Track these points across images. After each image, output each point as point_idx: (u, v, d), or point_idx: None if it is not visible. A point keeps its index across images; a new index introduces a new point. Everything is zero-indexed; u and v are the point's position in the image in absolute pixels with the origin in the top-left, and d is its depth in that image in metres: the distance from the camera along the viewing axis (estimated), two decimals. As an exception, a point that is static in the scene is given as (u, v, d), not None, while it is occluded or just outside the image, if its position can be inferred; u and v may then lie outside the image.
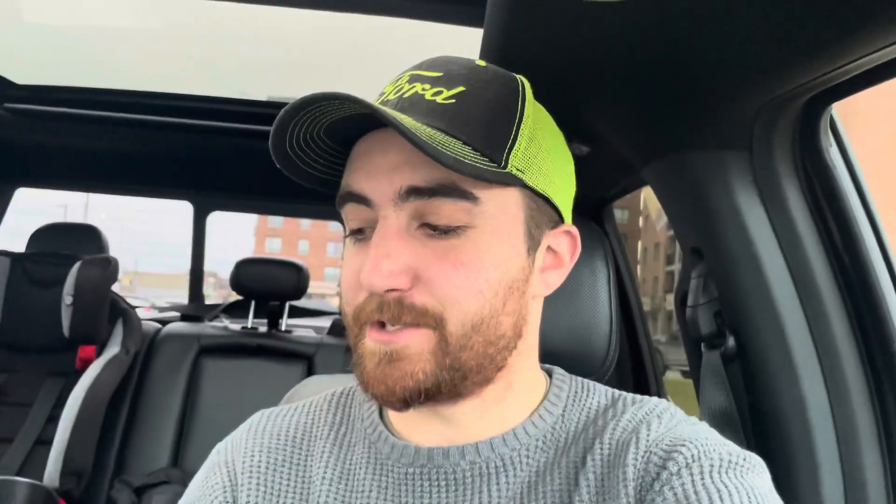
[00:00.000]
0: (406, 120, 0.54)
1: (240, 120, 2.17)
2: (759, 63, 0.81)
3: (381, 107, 0.52)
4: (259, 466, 0.67)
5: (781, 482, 0.59)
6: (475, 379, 0.59)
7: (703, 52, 0.82)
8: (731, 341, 1.05)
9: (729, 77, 0.86)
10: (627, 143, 1.19)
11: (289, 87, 2.25)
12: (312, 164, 0.63)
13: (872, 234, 0.94)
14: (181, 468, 2.39)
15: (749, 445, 1.03)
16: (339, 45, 1.88)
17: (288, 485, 0.66)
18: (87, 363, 2.34)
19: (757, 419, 1.03)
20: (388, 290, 0.55)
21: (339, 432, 0.69)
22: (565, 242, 0.66)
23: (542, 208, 0.63)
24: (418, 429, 0.64)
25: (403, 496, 0.62)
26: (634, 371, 1.98)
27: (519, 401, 0.65)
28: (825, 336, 0.95)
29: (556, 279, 0.66)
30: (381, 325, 0.57)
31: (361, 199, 0.58)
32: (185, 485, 2.23)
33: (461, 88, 0.60)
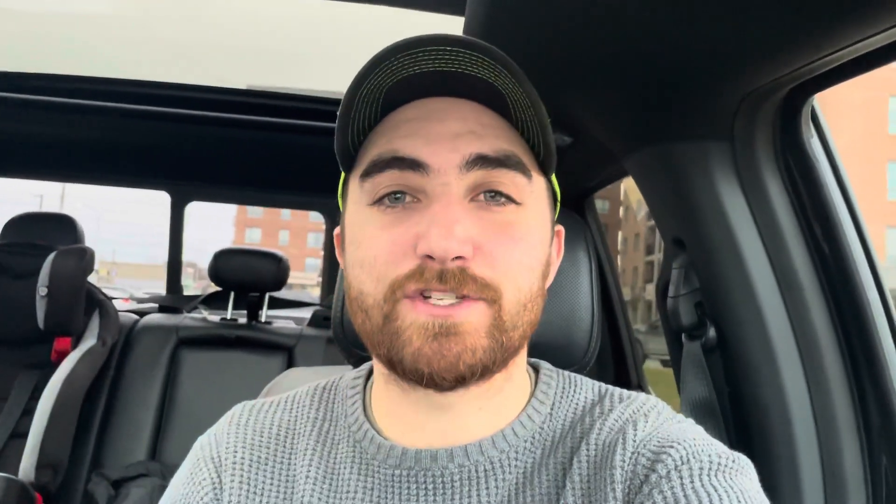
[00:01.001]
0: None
1: (218, 108, 2.15)
2: (741, 54, 0.80)
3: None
4: (242, 463, 0.66)
5: (761, 472, 0.59)
6: (506, 363, 0.58)
7: (685, 42, 0.82)
8: (711, 332, 1.05)
9: (711, 68, 0.85)
10: (609, 133, 1.18)
11: (267, 75, 2.22)
12: (356, 128, 0.59)
13: (853, 224, 0.95)
14: (160, 461, 2.37)
15: (729, 435, 1.04)
16: (318, 33, 1.86)
17: (271, 483, 0.65)
18: (62, 355, 2.31)
19: (737, 409, 1.04)
20: (454, 258, 0.53)
21: (321, 429, 0.67)
22: (556, 242, 0.67)
23: (553, 204, 0.65)
24: (407, 427, 0.62)
25: (390, 498, 0.60)
26: (615, 361, 1.99)
27: (513, 394, 0.64)
28: (805, 326, 0.95)
29: (551, 275, 0.66)
30: (423, 299, 0.54)
31: (414, 165, 0.56)
32: (163, 477, 2.22)
33: None
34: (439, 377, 0.54)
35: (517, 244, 0.57)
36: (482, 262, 0.55)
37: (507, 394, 0.63)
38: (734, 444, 1.03)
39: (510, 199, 0.57)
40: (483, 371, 0.55)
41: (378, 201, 0.58)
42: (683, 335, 1.12)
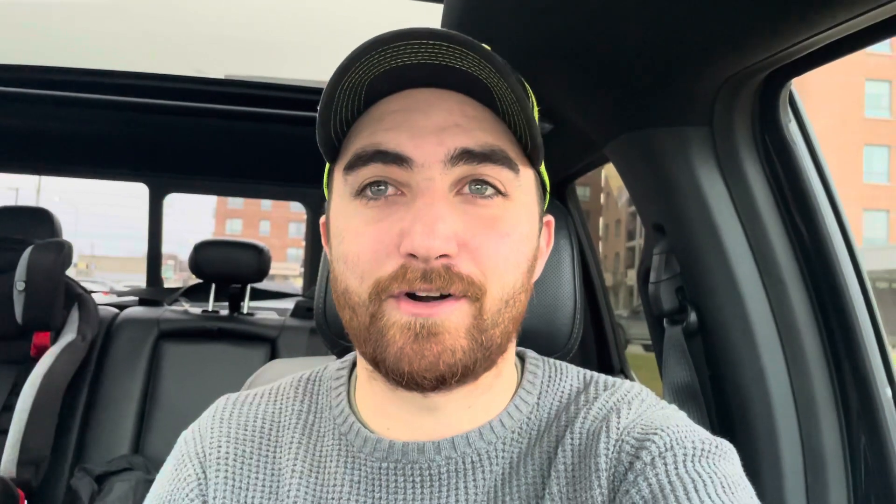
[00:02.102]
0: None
1: (196, 98, 2.12)
2: (719, 39, 0.81)
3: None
4: (227, 458, 0.65)
5: (743, 453, 0.60)
6: (491, 361, 0.57)
7: (663, 29, 0.82)
8: (692, 316, 1.06)
9: (690, 54, 0.86)
10: (590, 120, 1.19)
11: (245, 64, 2.20)
12: (338, 119, 0.57)
13: (830, 207, 0.96)
14: (143, 455, 2.36)
15: (711, 418, 1.05)
16: (297, 23, 1.84)
17: (256, 478, 0.64)
18: (42, 350, 2.28)
19: (718, 392, 1.05)
20: (438, 256, 0.52)
21: (307, 421, 0.66)
22: (545, 233, 0.66)
23: (542, 196, 0.64)
24: (393, 420, 0.62)
25: (376, 491, 0.60)
26: (598, 347, 2.01)
27: (502, 389, 0.63)
28: (785, 309, 0.96)
29: (539, 267, 0.65)
30: (410, 297, 0.53)
31: (398, 159, 0.54)
32: (147, 471, 2.20)
33: None
34: (420, 377, 0.53)
35: (503, 240, 0.55)
36: (467, 259, 0.54)
37: (495, 390, 0.63)
38: (715, 426, 1.04)
39: (497, 191, 0.56)
40: (464, 371, 0.54)
41: (361, 192, 0.56)
42: (665, 320, 1.13)
